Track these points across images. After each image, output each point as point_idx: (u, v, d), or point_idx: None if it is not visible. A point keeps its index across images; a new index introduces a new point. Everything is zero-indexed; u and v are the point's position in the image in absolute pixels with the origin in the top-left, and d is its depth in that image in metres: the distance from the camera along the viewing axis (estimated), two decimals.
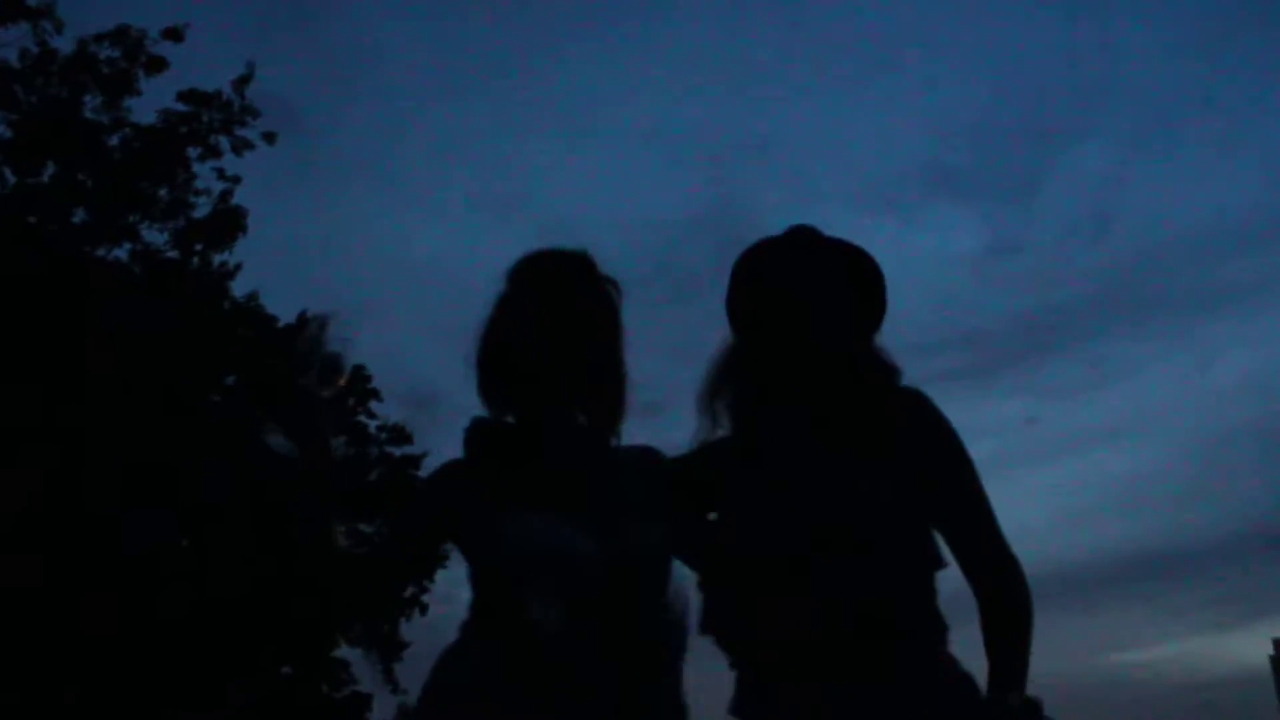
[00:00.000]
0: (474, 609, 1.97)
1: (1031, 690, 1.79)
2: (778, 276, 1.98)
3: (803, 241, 2.01)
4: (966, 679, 1.86)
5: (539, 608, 1.80)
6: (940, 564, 1.88)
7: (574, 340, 1.96)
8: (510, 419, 2.03)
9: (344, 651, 15.65)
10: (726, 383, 2.03)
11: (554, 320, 1.94)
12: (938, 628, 1.89)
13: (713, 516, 2.02)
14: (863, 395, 1.94)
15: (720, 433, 2.05)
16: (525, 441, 1.97)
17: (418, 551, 2.11)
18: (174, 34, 13.14)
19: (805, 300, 1.96)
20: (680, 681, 1.90)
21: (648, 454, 2.06)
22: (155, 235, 13.30)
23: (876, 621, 1.79)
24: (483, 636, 1.91)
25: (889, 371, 2.00)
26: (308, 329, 1.90)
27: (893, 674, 1.78)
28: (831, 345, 1.96)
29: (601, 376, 1.99)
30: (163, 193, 13.23)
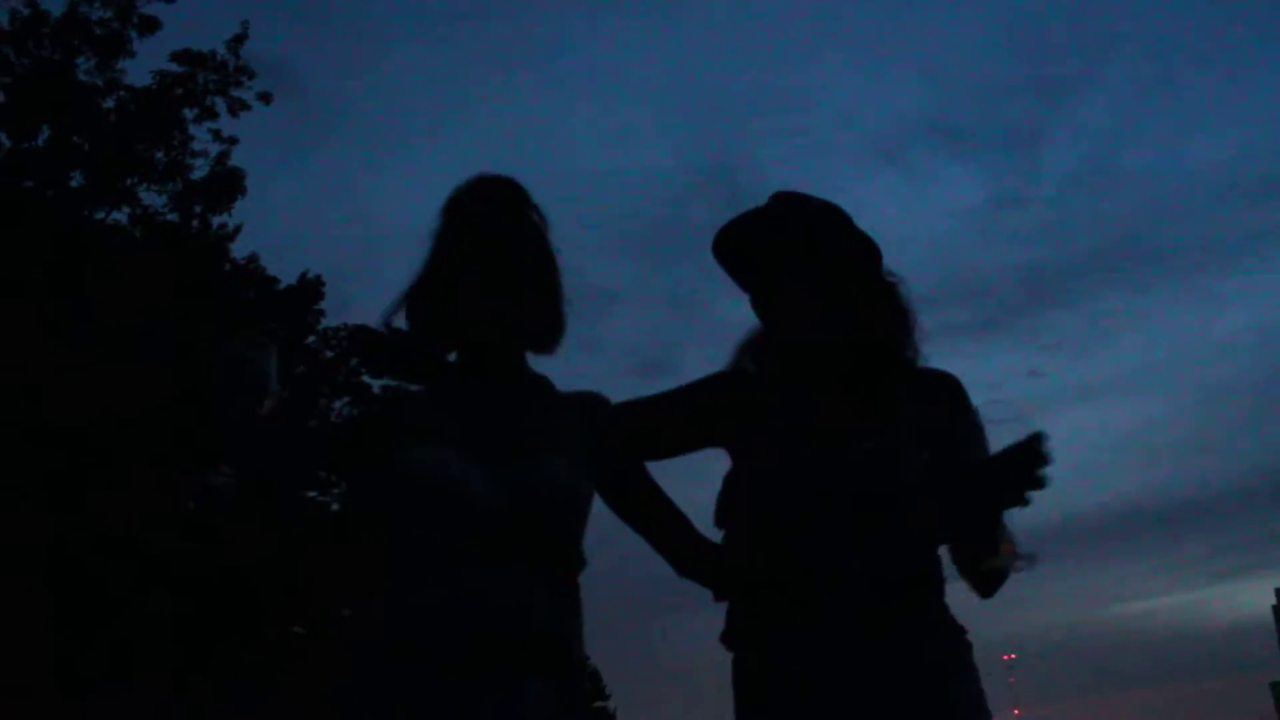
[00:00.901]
0: (387, 553, 1.83)
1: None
2: (763, 259, 1.99)
3: (781, 210, 1.99)
4: (959, 629, 1.89)
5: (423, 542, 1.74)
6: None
7: (501, 259, 1.84)
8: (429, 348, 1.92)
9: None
10: (751, 342, 2.05)
11: (482, 239, 1.84)
12: (940, 580, 1.90)
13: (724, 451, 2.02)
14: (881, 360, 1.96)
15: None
16: (435, 369, 1.89)
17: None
18: None
19: (795, 281, 1.97)
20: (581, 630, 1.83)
21: (592, 398, 1.96)
22: (154, 198, 13.26)
23: (894, 578, 1.82)
24: (385, 579, 1.79)
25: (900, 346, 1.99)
26: (226, 350, 1.75)
27: (896, 624, 1.81)
28: (833, 315, 1.95)
29: (531, 299, 1.86)
30: (160, 155, 13.15)
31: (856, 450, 1.86)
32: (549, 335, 1.91)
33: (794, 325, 1.96)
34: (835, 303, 1.94)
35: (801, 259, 1.95)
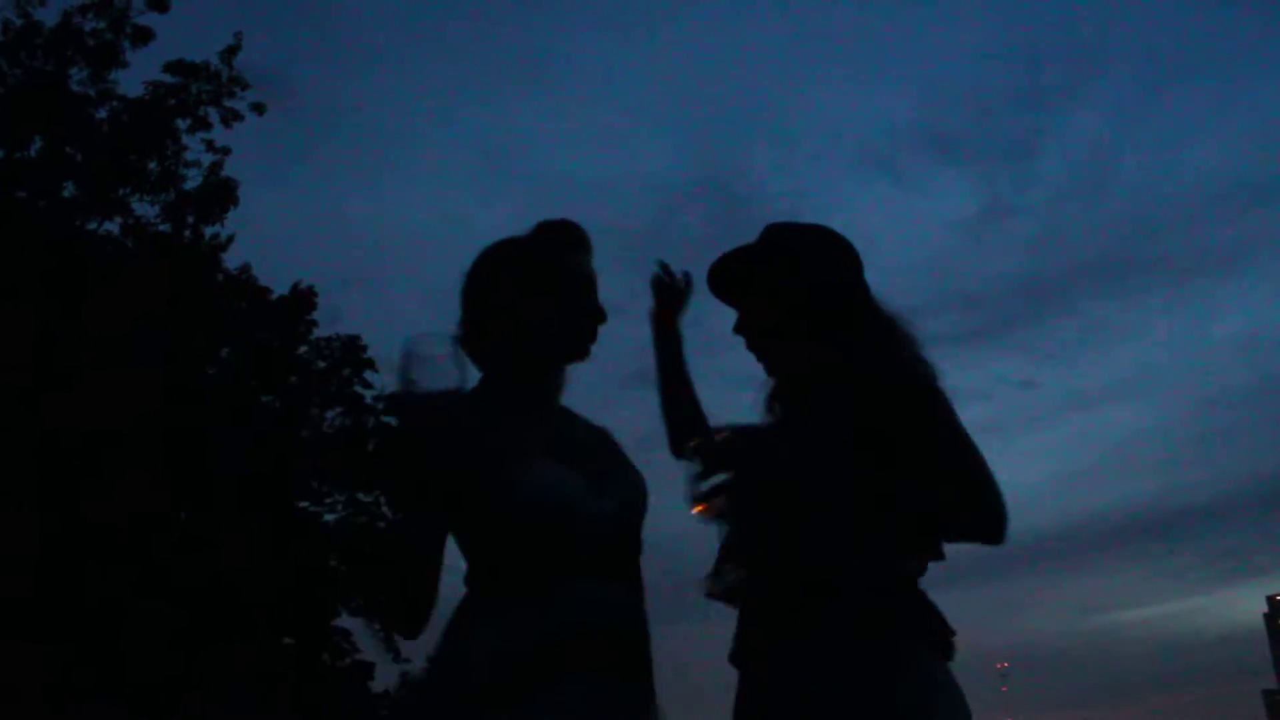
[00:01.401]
0: (478, 573, 1.88)
1: None
2: (725, 284, 2.17)
3: (750, 254, 2.14)
4: (883, 645, 1.83)
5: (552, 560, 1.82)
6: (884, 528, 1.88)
7: (586, 304, 2.04)
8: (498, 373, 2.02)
9: (345, 621, 15.75)
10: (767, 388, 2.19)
11: (575, 284, 2.04)
12: (876, 588, 1.86)
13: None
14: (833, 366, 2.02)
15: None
16: (534, 394, 2.00)
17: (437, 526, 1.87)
18: (159, 4, 12.98)
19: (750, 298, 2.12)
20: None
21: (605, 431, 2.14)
22: (146, 208, 13.24)
23: (810, 583, 1.87)
24: (495, 600, 1.82)
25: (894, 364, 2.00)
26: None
27: (815, 632, 1.85)
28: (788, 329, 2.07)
29: (593, 340, 2.06)
30: (152, 165, 13.14)
31: (777, 454, 1.95)
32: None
33: (771, 347, 2.09)
34: (816, 324, 2.03)
35: (780, 283, 2.07)
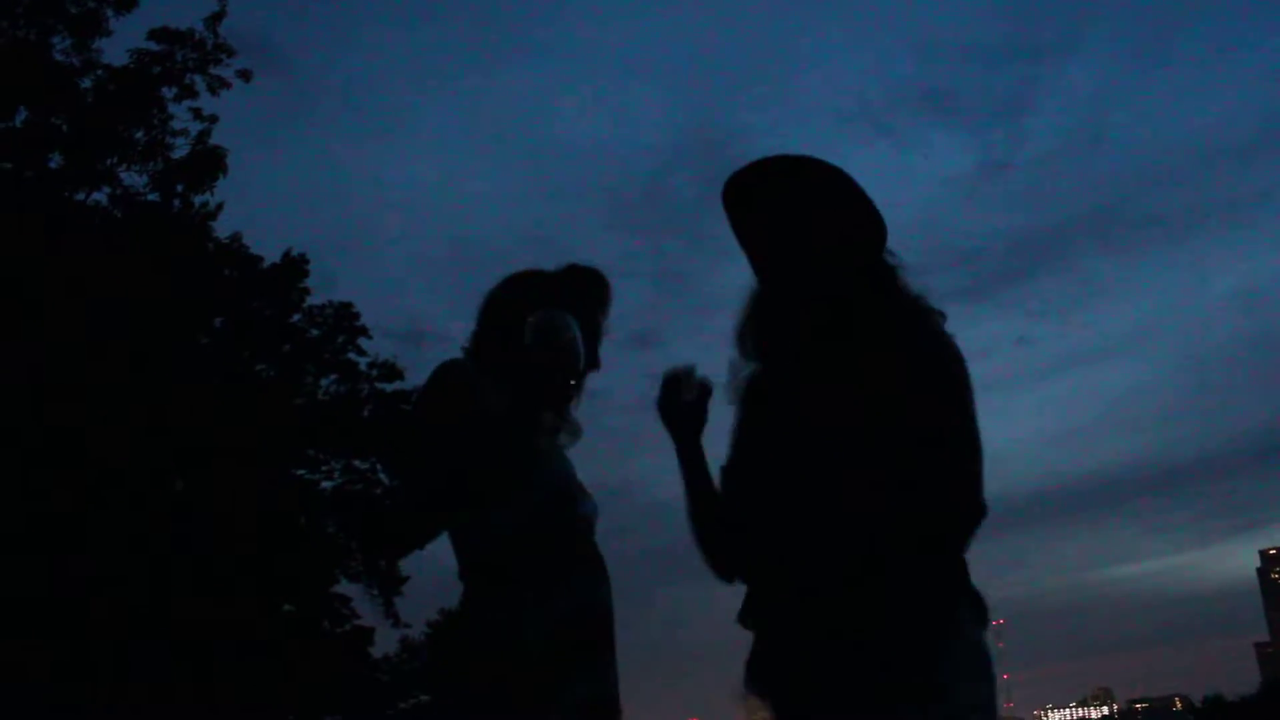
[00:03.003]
0: (489, 566, 2.13)
1: None
2: (763, 201, 1.95)
3: (781, 165, 1.95)
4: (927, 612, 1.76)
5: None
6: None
7: (590, 360, 2.28)
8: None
9: (345, 587, 15.84)
10: (750, 309, 2.01)
11: (596, 332, 2.32)
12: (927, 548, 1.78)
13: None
14: (862, 314, 1.88)
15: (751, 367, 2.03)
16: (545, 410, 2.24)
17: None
18: None
19: (789, 223, 1.93)
20: None
21: None
22: (134, 178, 13.14)
23: (847, 552, 1.74)
24: (523, 587, 2.10)
25: (896, 293, 1.90)
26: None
27: (859, 593, 1.73)
28: (829, 264, 1.90)
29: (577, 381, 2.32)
30: (139, 135, 13.02)
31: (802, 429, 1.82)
32: None
33: (783, 276, 1.93)
34: (824, 257, 1.91)
35: (798, 212, 1.93)
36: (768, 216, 1.96)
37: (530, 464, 2.13)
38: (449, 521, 2.15)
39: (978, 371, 1.87)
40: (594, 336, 2.29)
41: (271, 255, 15.35)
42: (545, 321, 2.12)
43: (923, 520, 1.75)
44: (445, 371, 2.20)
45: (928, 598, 1.75)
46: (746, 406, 1.97)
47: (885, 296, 1.91)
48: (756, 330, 1.99)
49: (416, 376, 16.24)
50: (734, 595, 1.97)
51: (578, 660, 2.07)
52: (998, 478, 1.83)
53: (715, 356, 2.06)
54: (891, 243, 1.96)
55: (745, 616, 1.91)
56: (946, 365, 1.83)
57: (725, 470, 1.98)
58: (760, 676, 1.84)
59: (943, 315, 1.90)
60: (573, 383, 2.20)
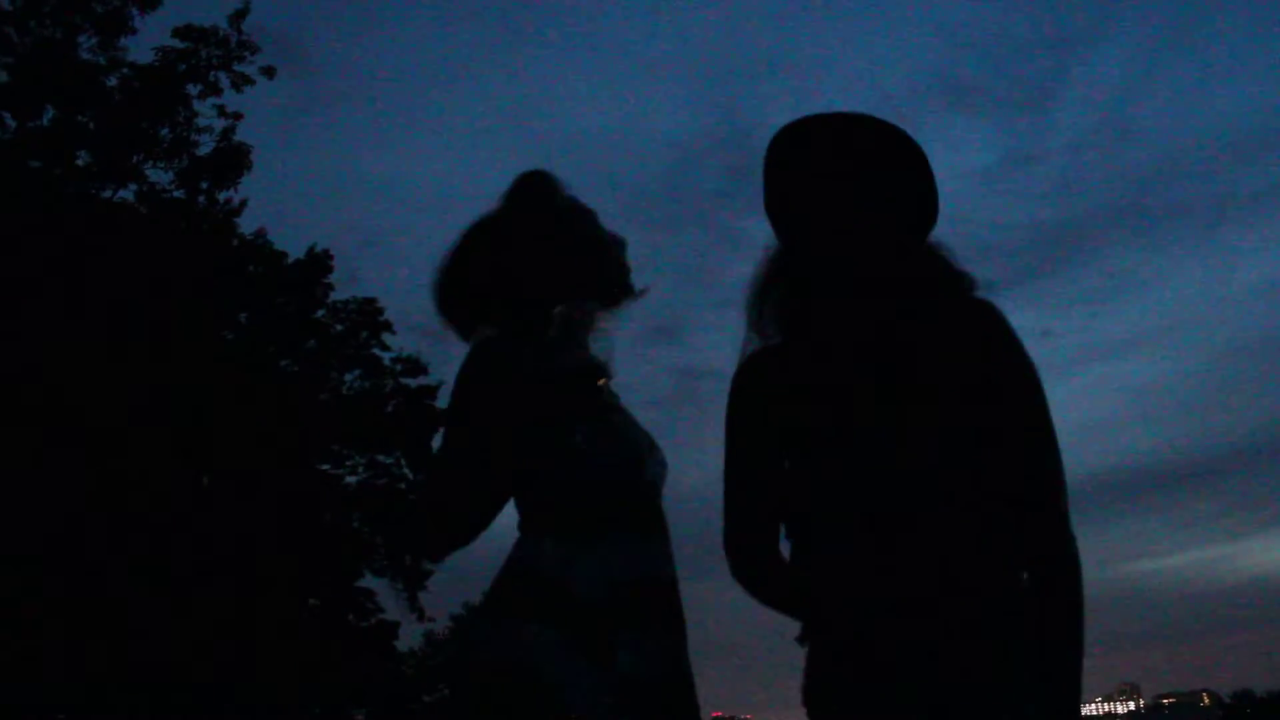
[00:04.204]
0: (546, 518, 1.96)
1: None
2: (812, 158, 1.78)
3: (836, 122, 1.79)
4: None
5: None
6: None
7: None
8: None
9: (369, 581, 15.91)
10: (772, 286, 1.83)
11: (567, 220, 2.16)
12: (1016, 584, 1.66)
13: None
14: (919, 304, 1.72)
15: (769, 342, 1.84)
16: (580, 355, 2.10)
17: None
18: None
19: (843, 184, 1.76)
20: None
21: None
22: (160, 175, 13.25)
23: (952, 579, 1.60)
24: (578, 539, 1.93)
25: (949, 274, 1.75)
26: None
27: (963, 636, 1.59)
28: (877, 236, 1.74)
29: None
30: (165, 132, 13.12)
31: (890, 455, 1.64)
32: None
33: (828, 237, 1.75)
34: (874, 211, 1.74)
35: (860, 176, 1.75)
36: (820, 174, 1.77)
37: (591, 423, 1.97)
38: (491, 515, 1.99)
39: None
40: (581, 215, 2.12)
41: (295, 251, 15.44)
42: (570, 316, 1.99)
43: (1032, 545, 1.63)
44: (484, 350, 2.03)
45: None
46: (792, 403, 1.76)
47: (947, 275, 1.76)
48: (787, 301, 1.81)
49: (440, 371, 16.31)
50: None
51: (629, 625, 1.87)
52: None
53: (735, 350, 1.98)
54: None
55: (820, 638, 1.72)
56: (1026, 359, 1.70)
57: (779, 476, 1.76)
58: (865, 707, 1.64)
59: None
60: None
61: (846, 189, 1.75)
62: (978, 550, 1.62)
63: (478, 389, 1.94)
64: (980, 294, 1.74)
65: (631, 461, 1.98)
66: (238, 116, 13.52)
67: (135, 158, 12.98)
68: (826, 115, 1.79)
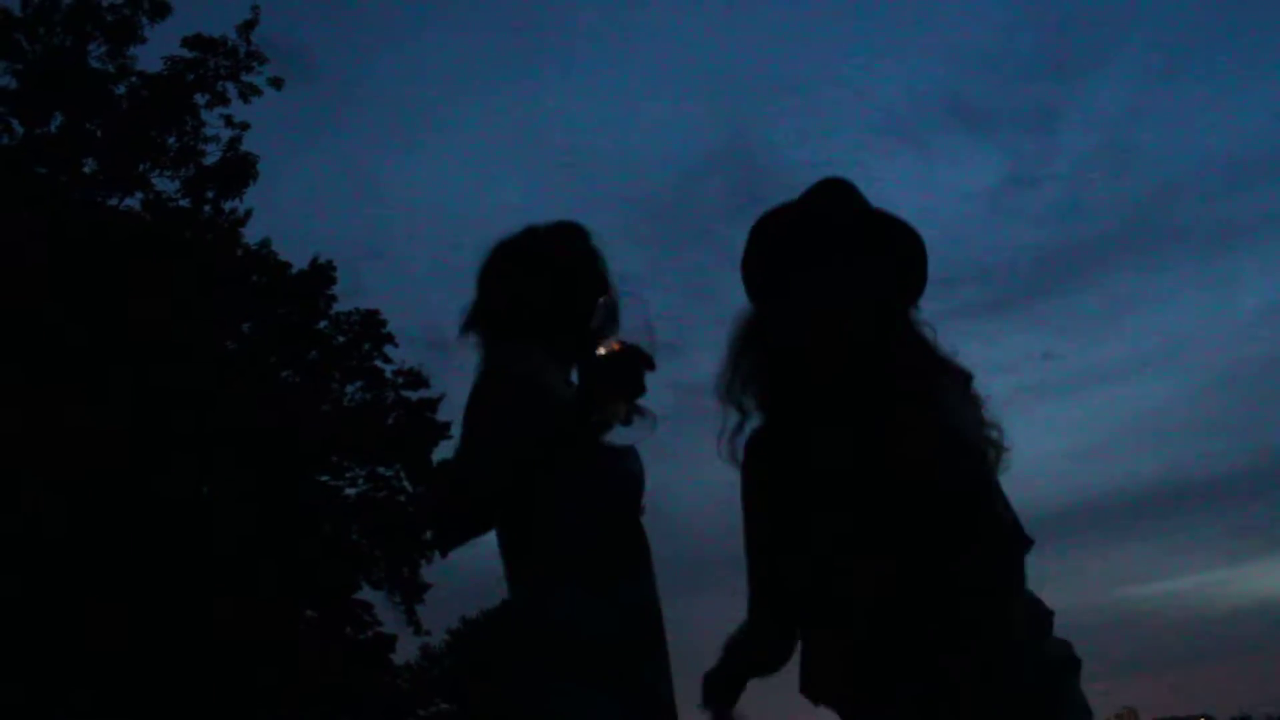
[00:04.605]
0: (551, 558, 2.01)
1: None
2: (795, 244, 1.82)
3: (827, 205, 1.82)
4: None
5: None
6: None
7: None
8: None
9: (367, 593, 15.88)
10: (745, 356, 1.87)
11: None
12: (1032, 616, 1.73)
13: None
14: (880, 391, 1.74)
15: (748, 424, 1.89)
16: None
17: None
18: None
19: (823, 267, 1.79)
20: None
21: None
22: (166, 184, 13.30)
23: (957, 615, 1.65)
24: (585, 581, 1.98)
25: (917, 365, 1.77)
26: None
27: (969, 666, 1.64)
28: (852, 316, 1.77)
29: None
30: (172, 141, 13.18)
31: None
32: None
33: (803, 332, 1.79)
34: (850, 293, 1.77)
35: (832, 262, 1.79)
36: (805, 264, 1.81)
37: (600, 455, 2.00)
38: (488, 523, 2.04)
39: (1003, 386, 1.77)
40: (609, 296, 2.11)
41: (299, 261, 15.47)
42: (615, 305, 1.97)
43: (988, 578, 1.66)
44: (505, 362, 2.08)
45: (1041, 670, 1.70)
46: (773, 473, 1.83)
47: (917, 351, 1.79)
48: (766, 380, 1.85)
49: (441, 384, 16.30)
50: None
51: (637, 657, 1.95)
52: (1020, 493, 1.76)
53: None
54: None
55: (815, 689, 1.80)
56: (976, 432, 1.74)
57: (767, 546, 1.84)
58: None
59: (970, 376, 1.80)
60: (648, 369, 1.94)
61: (823, 276, 1.78)
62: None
63: (495, 409, 2.00)
64: (948, 380, 1.76)
65: (638, 500, 2.07)
66: (245, 126, 13.59)
67: (142, 166, 13.03)
68: (806, 199, 1.84)
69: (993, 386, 1.83)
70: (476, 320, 2.18)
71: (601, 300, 2.00)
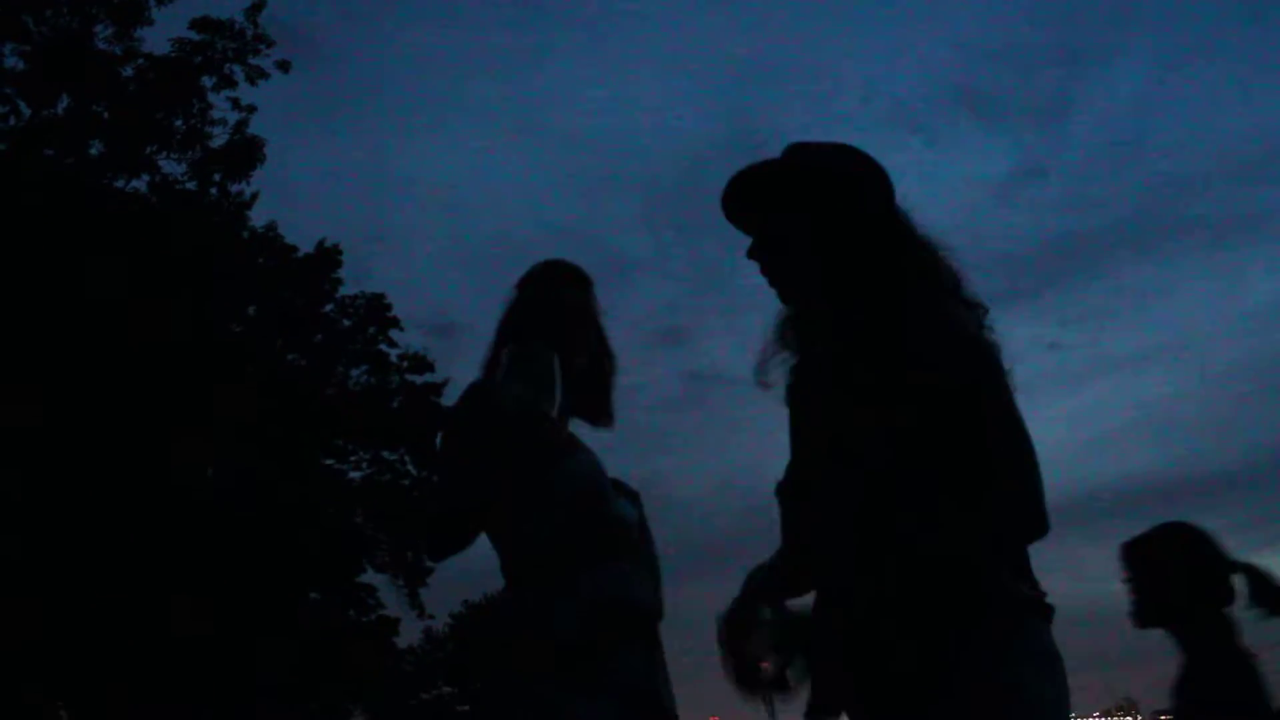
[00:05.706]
0: (526, 560, 2.14)
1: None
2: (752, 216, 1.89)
3: (762, 173, 1.88)
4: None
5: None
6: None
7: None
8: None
9: (370, 576, 15.93)
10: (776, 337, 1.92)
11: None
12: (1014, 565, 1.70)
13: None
14: (875, 310, 1.74)
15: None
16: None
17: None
18: None
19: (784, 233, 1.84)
20: None
21: None
22: (173, 166, 13.29)
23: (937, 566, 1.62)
24: (556, 580, 2.09)
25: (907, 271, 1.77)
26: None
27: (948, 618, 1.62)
28: (831, 266, 1.79)
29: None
30: (179, 123, 13.16)
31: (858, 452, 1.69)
32: None
33: (796, 289, 1.84)
34: (838, 258, 1.79)
35: (807, 214, 1.82)
36: (773, 226, 1.86)
37: (551, 462, 2.15)
38: (466, 536, 2.19)
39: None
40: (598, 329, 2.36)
41: (305, 245, 15.47)
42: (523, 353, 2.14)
43: (998, 539, 1.65)
44: (471, 391, 2.25)
45: (1007, 612, 1.66)
46: (796, 413, 1.85)
47: (925, 282, 1.77)
48: (796, 325, 1.89)
49: (447, 369, 16.31)
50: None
51: (610, 654, 2.04)
52: None
53: (745, 354, 2.00)
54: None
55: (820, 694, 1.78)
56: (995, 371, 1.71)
57: (781, 489, 1.85)
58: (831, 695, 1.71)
59: (984, 309, 1.79)
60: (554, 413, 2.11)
61: (799, 234, 1.83)
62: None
63: (465, 424, 2.14)
64: (985, 337, 1.75)
65: (594, 495, 2.16)
66: (252, 109, 13.57)
67: (149, 148, 13.02)
68: (765, 164, 1.88)
69: None
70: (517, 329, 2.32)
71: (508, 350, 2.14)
